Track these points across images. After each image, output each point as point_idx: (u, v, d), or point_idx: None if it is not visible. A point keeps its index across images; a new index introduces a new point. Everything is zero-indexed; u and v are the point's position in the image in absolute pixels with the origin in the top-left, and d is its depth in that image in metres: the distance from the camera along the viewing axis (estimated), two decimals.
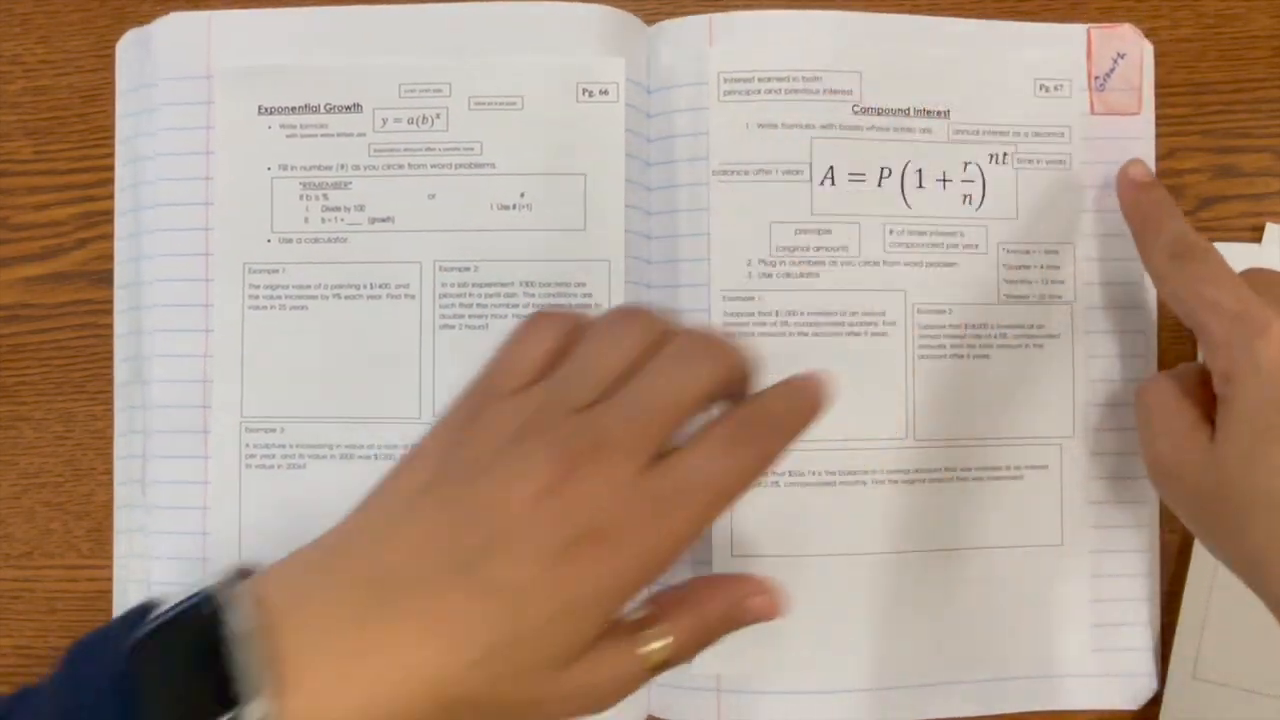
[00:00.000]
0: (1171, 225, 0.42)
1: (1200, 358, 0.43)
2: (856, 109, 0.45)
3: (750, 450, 0.32)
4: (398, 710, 0.28)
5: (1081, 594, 0.46)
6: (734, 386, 0.33)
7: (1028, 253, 0.46)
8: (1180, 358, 0.47)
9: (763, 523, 0.45)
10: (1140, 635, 0.46)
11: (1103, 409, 0.46)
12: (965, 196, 0.46)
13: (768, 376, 0.34)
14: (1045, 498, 0.46)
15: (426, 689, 0.29)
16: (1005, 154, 0.46)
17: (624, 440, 0.31)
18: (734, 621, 0.34)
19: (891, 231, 0.45)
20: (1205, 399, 0.40)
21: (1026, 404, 0.46)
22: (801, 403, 0.34)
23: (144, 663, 0.28)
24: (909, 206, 0.45)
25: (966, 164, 0.46)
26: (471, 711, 0.30)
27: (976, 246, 0.46)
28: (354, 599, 0.29)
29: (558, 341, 0.33)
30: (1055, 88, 0.46)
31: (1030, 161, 0.46)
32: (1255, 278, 0.39)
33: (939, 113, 0.46)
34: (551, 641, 0.30)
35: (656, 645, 0.33)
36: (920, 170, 0.45)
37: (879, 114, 0.45)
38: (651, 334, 0.32)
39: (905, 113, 0.46)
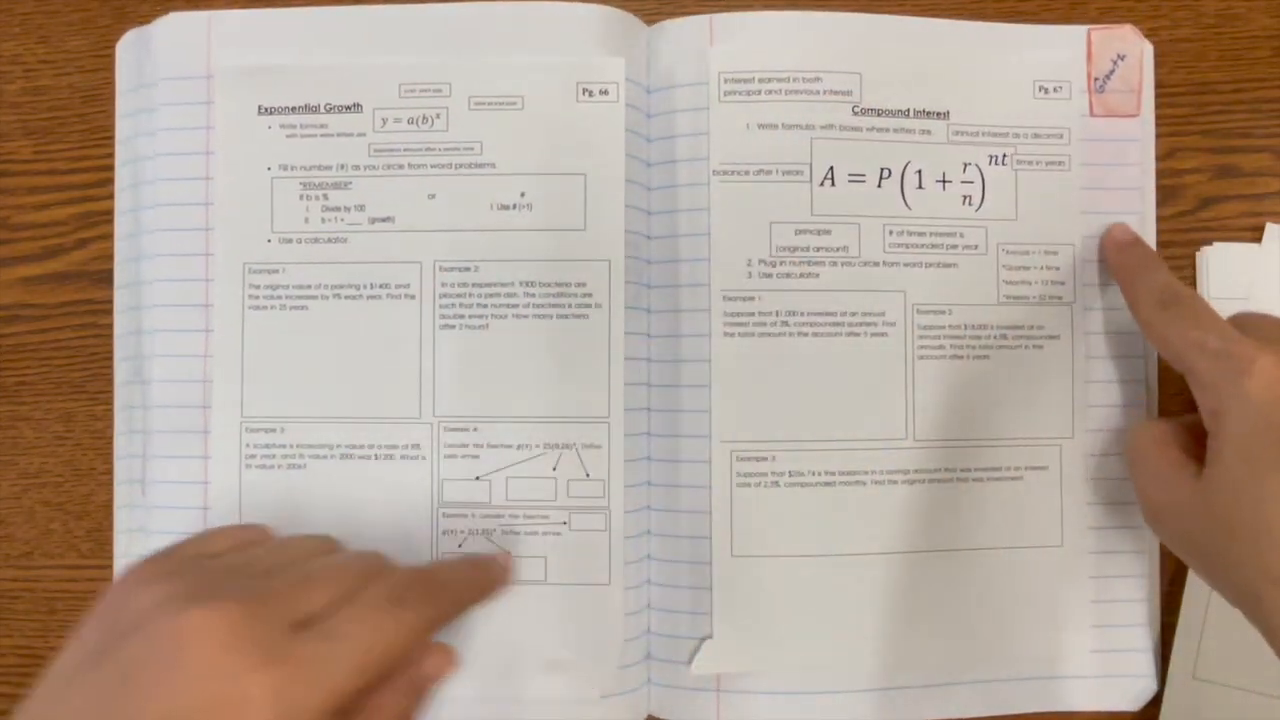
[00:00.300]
0: (1156, 277, 0.43)
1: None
2: (856, 110, 0.45)
3: (407, 613, 0.34)
4: None
5: (1082, 595, 0.46)
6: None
7: (1027, 253, 0.46)
8: None
9: (763, 523, 0.45)
10: (1140, 635, 0.46)
11: (1102, 410, 0.46)
12: (965, 197, 0.46)
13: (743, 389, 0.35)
14: (1045, 498, 0.46)
15: None
16: (1005, 155, 0.46)
17: (282, 595, 0.33)
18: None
19: (891, 232, 0.45)
20: (1193, 441, 0.40)
21: (1026, 405, 0.46)
22: (477, 576, 0.40)
23: None
24: (909, 207, 0.45)
25: (966, 165, 0.46)
26: None
27: (976, 247, 0.46)
28: None
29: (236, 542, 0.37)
30: (1055, 89, 0.46)
31: (1030, 163, 0.46)
32: (1242, 320, 0.41)
33: (939, 114, 0.46)
34: None
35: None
36: (920, 171, 0.45)
37: (879, 115, 0.45)
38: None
39: (905, 114, 0.46)
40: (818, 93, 0.45)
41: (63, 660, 0.32)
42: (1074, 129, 0.46)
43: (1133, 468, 0.42)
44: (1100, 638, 0.46)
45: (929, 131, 0.46)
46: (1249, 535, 0.36)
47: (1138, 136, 0.47)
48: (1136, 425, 0.43)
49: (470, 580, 0.40)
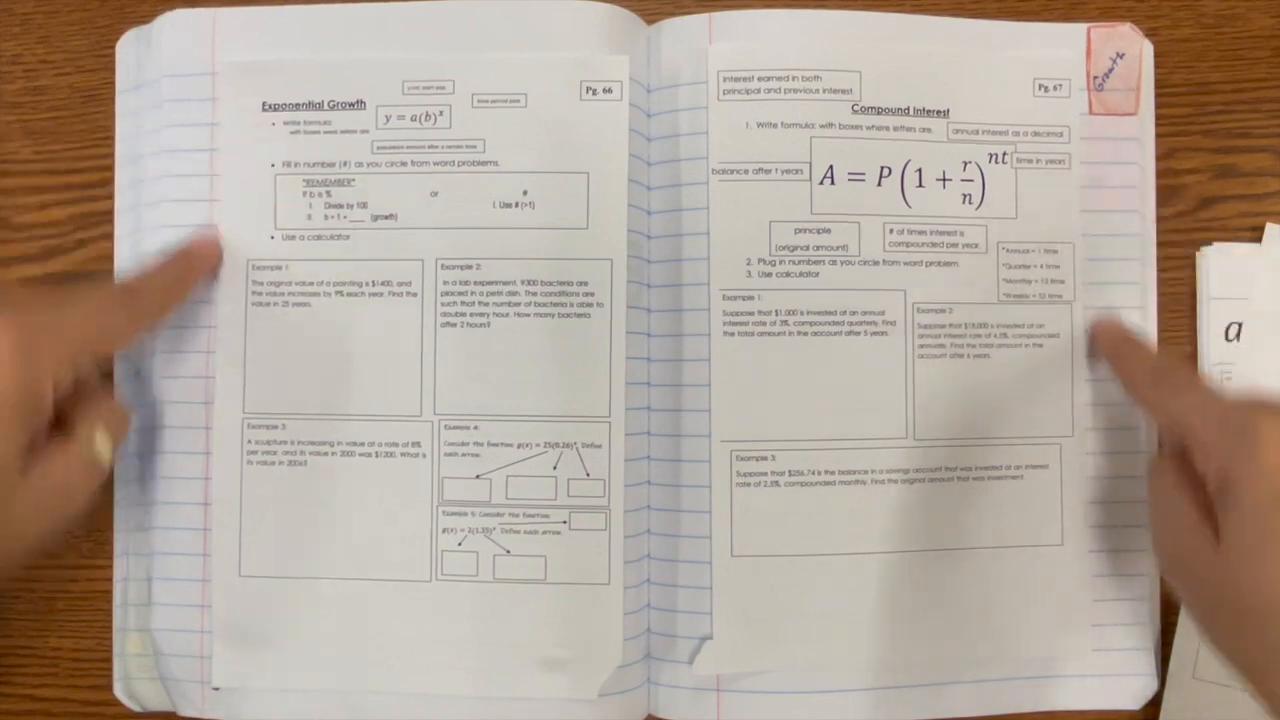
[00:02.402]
0: (1147, 354, 0.44)
1: None
2: (856, 108, 0.45)
3: (127, 300, 0.41)
4: None
5: (1082, 594, 0.46)
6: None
7: (1028, 252, 0.46)
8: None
9: (763, 523, 0.45)
10: (1140, 635, 0.46)
11: (1102, 408, 0.46)
12: (965, 196, 0.46)
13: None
14: (1045, 497, 0.46)
15: None
16: (1004, 154, 0.46)
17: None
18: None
19: (891, 231, 0.45)
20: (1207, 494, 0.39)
21: (1026, 403, 0.46)
22: (183, 269, 0.44)
23: None
24: (909, 206, 0.45)
25: (966, 163, 0.46)
26: None
27: (976, 245, 0.46)
28: None
29: None
30: (1054, 87, 0.46)
31: (1029, 161, 0.46)
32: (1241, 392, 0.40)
33: (938, 112, 0.46)
34: None
35: (97, 436, 0.40)
36: (920, 170, 0.46)
37: (878, 113, 0.46)
38: None
39: (905, 112, 0.46)
40: (817, 91, 0.45)
41: None
42: (1074, 127, 0.46)
43: (1152, 513, 0.42)
44: (1101, 637, 0.46)
45: (929, 130, 0.46)
46: (1264, 609, 0.35)
47: (1137, 135, 0.47)
48: (1157, 466, 0.42)
49: (173, 275, 0.44)
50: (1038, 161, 0.46)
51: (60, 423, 0.39)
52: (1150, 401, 0.43)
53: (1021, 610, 0.46)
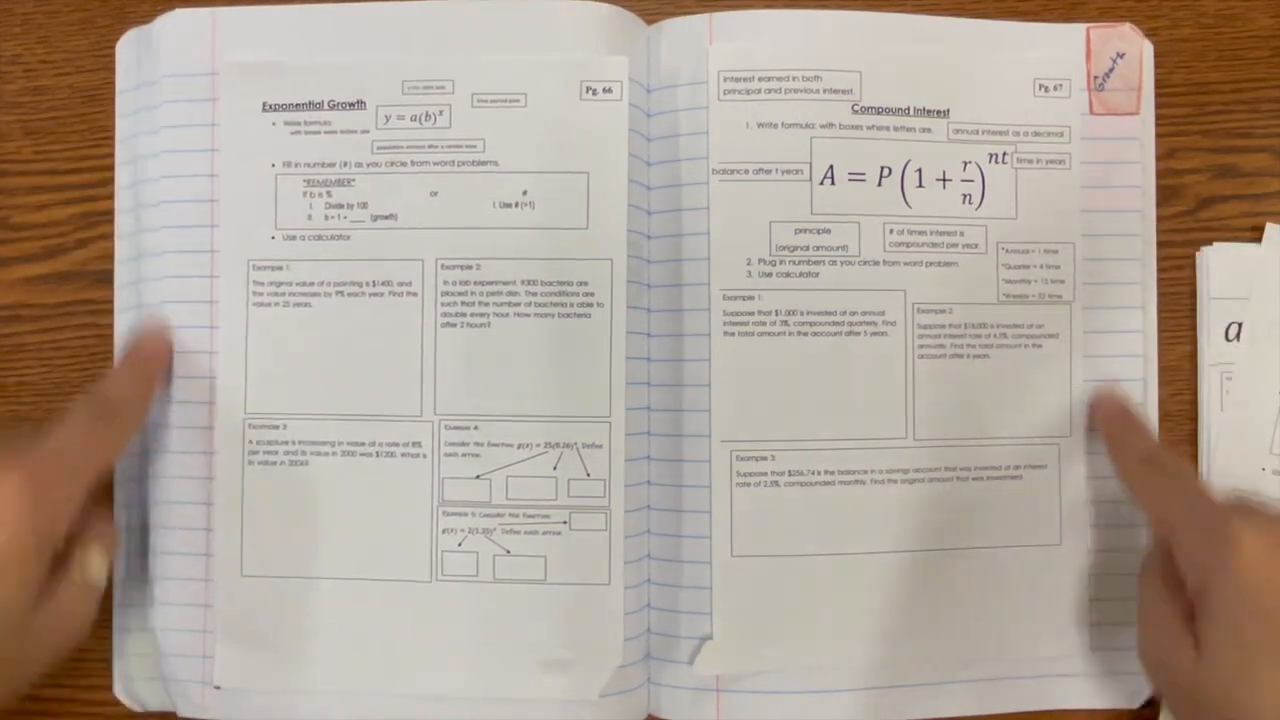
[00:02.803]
0: (1140, 437, 0.44)
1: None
2: (856, 108, 0.45)
3: (111, 420, 0.42)
4: None
5: (1081, 593, 0.46)
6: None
7: (1028, 252, 0.46)
8: (1180, 359, 0.47)
9: (763, 522, 0.45)
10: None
11: None
12: (965, 196, 0.46)
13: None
14: (1044, 497, 0.46)
15: None
16: (1005, 154, 0.46)
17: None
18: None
19: (891, 231, 0.45)
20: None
21: (1025, 404, 0.46)
22: (140, 372, 0.44)
23: None
24: (909, 206, 0.45)
25: (966, 164, 0.46)
26: None
27: (976, 246, 0.46)
28: None
29: None
30: (1055, 87, 0.46)
31: (1030, 161, 0.46)
32: (1226, 493, 0.40)
33: (938, 112, 0.46)
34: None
35: (93, 560, 0.40)
36: (920, 170, 0.46)
37: (878, 113, 0.46)
38: None
39: (905, 112, 0.46)
40: (817, 91, 0.45)
41: None
42: (1074, 127, 0.46)
43: (1139, 612, 0.42)
44: (1099, 636, 0.46)
45: (929, 130, 0.46)
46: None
47: (1137, 135, 0.47)
48: (1145, 563, 0.42)
49: (140, 378, 0.44)
50: (1038, 162, 0.46)
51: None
52: (1138, 492, 0.43)
53: (1020, 610, 0.46)
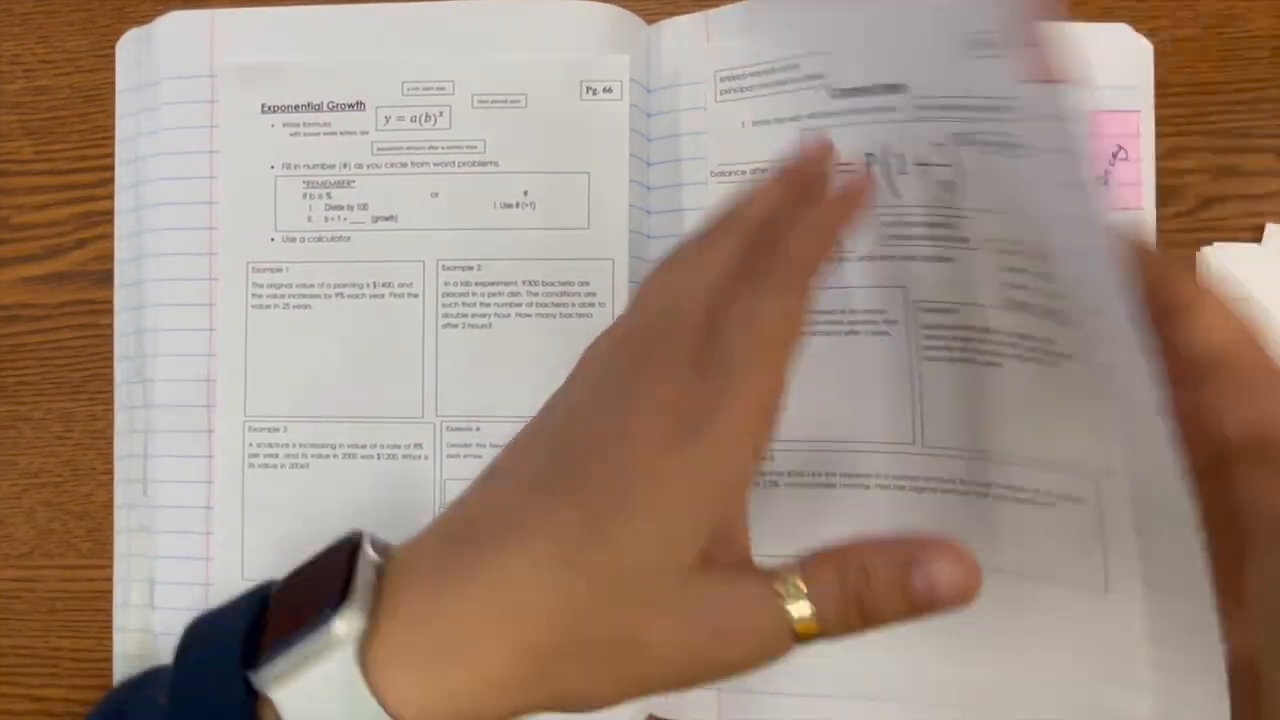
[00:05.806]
0: (1219, 312, 0.32)
1: None
2: (831, 92, 0.43)
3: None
4: (488, 645, 0.27)
5: (1136, 653, 0.39)
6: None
7: (1025, 254, 0.45)
8: None
9: (762, 522, 0.44)
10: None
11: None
12: (948, 184, 0.44)
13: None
14: (1082, 534, 0.40)
15: (511, 622, 0.28)
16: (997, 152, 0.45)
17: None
18: (902, 592, 0.30)
19: (884, 223, 0.44)
20: None
21: (1050, 426, 0.41)
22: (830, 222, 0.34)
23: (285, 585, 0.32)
24: (898, 195, 0.44)
25: (938, 146, 0.43)
26: (572, 648, 0.28)
27: (967, 241, 0.44)
28: (452, 531, 0.30)
29: None
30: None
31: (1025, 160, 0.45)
32: None
33: (921, 95, 0.42)
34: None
35: (796, 592, 0.29)
36: (901, 155, 0.43)
37: (851, 95, 0.43)
38: None
39: (878, 91, 0.42)
40: (798, 80, 0.44)
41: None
42: None
43: None
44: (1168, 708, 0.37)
45: (894, 110, 0.42)
46: None
47: (1138, 134, 0.47)
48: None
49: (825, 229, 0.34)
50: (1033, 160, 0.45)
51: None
52: (1212, 400, 0.30)
53: (1051, 654, 0.42)
